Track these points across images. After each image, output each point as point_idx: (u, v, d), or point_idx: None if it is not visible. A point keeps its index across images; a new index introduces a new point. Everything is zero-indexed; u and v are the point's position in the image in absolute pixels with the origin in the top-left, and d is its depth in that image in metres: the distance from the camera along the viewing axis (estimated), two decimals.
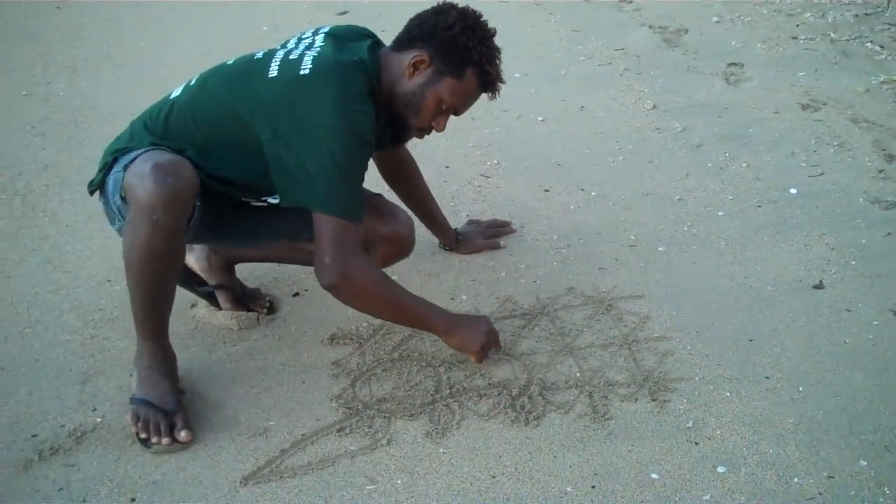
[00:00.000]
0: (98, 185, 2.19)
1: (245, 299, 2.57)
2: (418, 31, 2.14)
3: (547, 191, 3.31)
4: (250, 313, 2.56)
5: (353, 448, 2.11)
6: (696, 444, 2.12)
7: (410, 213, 2.58)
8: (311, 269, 2.62)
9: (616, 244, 2.97)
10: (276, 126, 2.01)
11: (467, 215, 3.14)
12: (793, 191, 3.31)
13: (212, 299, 2.54)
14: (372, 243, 2.33)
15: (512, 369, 2.37)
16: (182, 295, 2.48)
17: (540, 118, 3.95)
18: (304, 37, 2.20)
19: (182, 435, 2.08)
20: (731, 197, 3.28)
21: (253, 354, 2.43)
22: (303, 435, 2.15)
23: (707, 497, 1.97)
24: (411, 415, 2.21)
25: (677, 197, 3.27)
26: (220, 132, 2.11)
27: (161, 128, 2.15)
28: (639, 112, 4.04)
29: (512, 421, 2.20)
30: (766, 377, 2.34)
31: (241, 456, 2.08)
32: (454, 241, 2.89)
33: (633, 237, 3.01)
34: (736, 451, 2.10)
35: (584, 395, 2.28)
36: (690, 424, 2.18)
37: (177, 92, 2.21)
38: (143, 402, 2.11)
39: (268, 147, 2.04)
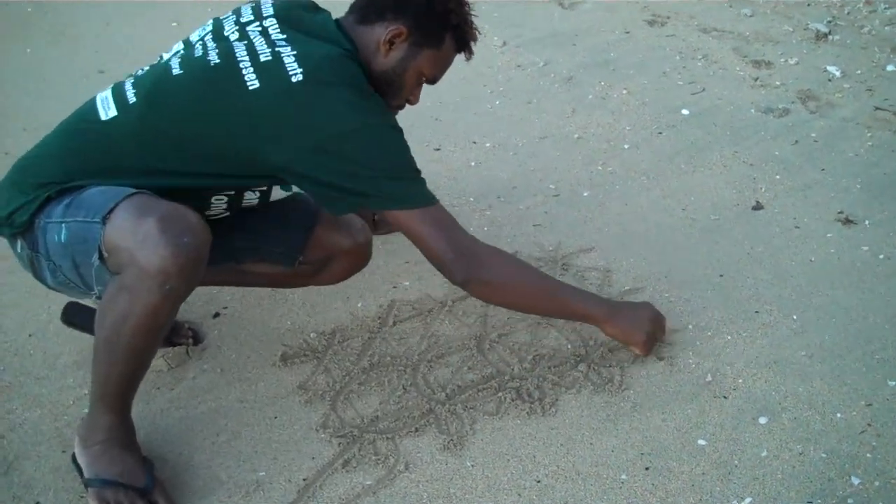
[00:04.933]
0: (21, 228, 1.79)
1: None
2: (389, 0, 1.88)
3: (437, 149, 3.13)
4: (176, 348, 2.24)
5: (369, 482, 1.88)
6: (725, 398, 2.05)
7: None
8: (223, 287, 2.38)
9: (539, 196, 2.85)
10: (288, 148, 1.74)
11: None
12: (685, 112, 3.31)
13: None
14: (332, 258, 2.17)
15: (498, 354, 2.20)
16: (80, 342, 2.16)
17: None
18: (246, 22, 1.86)
19: None
20: (627, 128, 3.23)
21: (199, 395, 2.12)
22: (304, 480, 1.89)
23: (764, 453, 1.91)
24: (415, 429, 2.01)
25: (576, 136, 3.19)
26: (191, 156, 1.80)
27: (104, 156, 1.79)
28: (491, 50, 3.91)
29: (527, 413, 2.04)
30: (756, 311, 2.31)
31: None
32: (371, 221, 2.66)
33: (552, 186, 2.90)
34: (767, 397, 2.05)
35: (589, 368, 2.15)
36: (710, 378, 2.11)
37: (110, 111, 1.81)
38: (107, 483, 1.78)
39: (284, 172, 1.80)
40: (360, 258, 2.20)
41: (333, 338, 2.29)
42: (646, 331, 2.07)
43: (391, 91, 1.91)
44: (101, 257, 1.67)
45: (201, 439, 2.00)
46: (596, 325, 2.07)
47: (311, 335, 2.29)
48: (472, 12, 1.96)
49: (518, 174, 2.96)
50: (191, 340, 2.26)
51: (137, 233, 1.61)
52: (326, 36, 1.83)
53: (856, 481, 1.82)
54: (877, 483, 1.82)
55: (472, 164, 3.04)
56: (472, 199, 2.84)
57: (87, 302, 2.10)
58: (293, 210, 2.15)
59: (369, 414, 2.05)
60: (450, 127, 3.27)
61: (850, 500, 1.78)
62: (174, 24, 4.16)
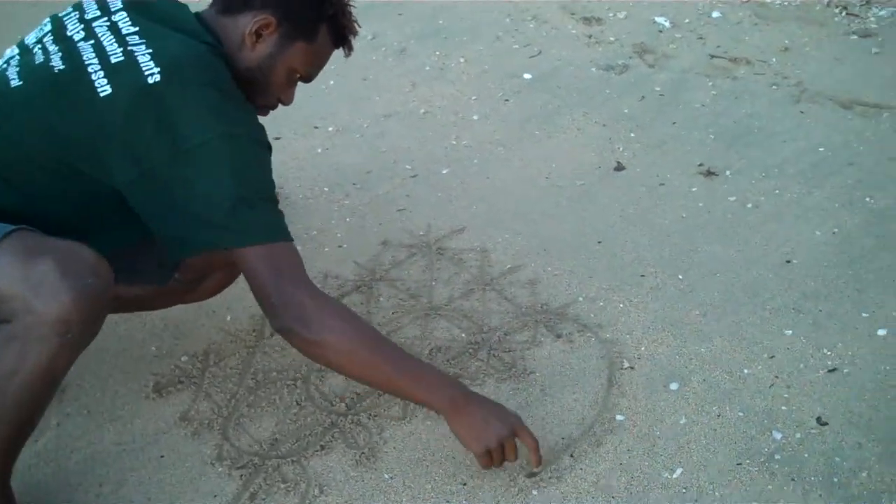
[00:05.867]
0: None
1: None
2: None
3: (278, 138, 2.97)
4: None
5: None
6: (633, 368, 2.04)
7: None
8: None
9: (396, 179, 2.75)
10: (140, 161, 1.52)
11: None
12: (527, 76, 3.28)
13: None
14: (205, 274, 2.03)
15: None
16: None
17: None
18: (92, 18, 1.63)
19: None
20: (473, 97, 3.17)
21: (69, 444, 1.92)
22: None
23: (683, 420, 1.90)
24: (321, 447, 1.89)
25: (422, 111, 3.10)
26: (45, 179, 1.59)
27: None
28: None
29: (436, 413, 1.94)
30: (642, 275, 2.31)
31: None
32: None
33: (408, 166, 2.81)
34: (672, 362, 2.04)
35: (489, 356, 2.08)
36: (612, 349, 2.08)
37: None
38: None
39: (132, 191, 1.56)
40: (234, 272, 2.03)
41: (208, 358, 2.13)
42: (486, 445, 1.69)
43: (258, 89, 1.73)
44: None
45: (82, 494, 1.81)
46: (438, 412, 1.75)
47: (183, 359, 2.12)
48: (350, 3, 1.80)
49: (370, 157, 2.85)
50: None
51: (30, 277, 1.40)
52: (185, 28, 1.64)
53: (777, 436, 1.84)
54: (798, 435, 1.84)
55: (319, 150, 2.91)
56: (326, 189, 2.71)
57: None
58: None
59: (267, 437, 1.91)
60: (285, 112, 3.08)
61: (777, 456, 1.79)
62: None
